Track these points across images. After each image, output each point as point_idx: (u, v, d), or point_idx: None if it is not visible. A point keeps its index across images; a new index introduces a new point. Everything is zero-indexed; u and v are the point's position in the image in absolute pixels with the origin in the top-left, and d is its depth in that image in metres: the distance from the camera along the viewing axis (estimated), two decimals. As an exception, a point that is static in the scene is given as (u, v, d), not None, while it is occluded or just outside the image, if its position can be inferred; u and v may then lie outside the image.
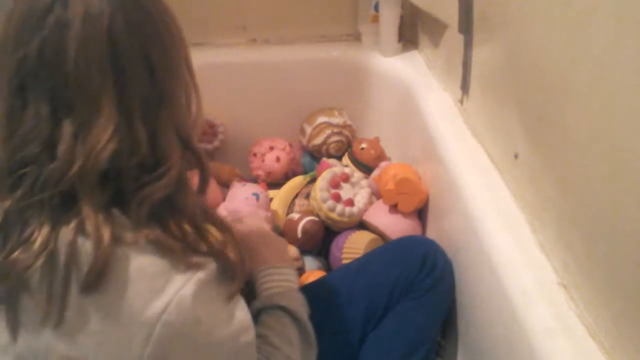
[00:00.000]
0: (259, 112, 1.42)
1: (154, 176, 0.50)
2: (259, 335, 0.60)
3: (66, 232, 0.46)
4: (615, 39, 0.49)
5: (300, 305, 0.68)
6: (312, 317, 0.68)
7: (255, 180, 1.39)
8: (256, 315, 0.66)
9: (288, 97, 1.42)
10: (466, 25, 0.92)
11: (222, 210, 1.17)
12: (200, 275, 0.49)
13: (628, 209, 0.49)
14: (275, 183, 1.36)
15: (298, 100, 1.41)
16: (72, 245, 0.46)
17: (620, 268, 0.51)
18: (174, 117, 0.52)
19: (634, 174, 0.48)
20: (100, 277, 0.45)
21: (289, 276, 0.72)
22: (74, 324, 0.46)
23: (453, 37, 0.98)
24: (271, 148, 1.38)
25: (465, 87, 0.96)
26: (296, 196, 1.28)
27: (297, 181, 1.31)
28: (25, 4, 0.47)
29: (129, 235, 0.47)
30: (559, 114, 0.61)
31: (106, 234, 0.46)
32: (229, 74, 1.37)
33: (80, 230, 0.47)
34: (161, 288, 0.47)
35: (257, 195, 1.20)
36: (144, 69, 0.49)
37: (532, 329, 0.59)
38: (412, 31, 1.35)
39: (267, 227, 0.85)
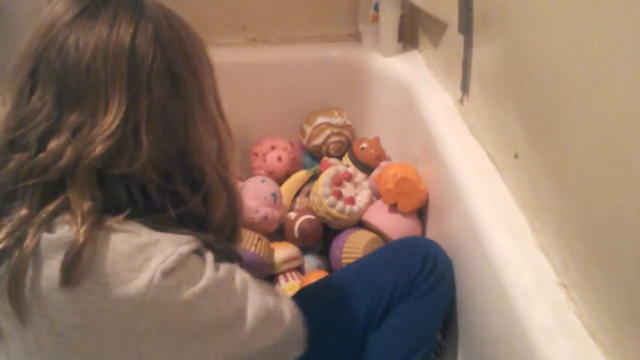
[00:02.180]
0: (259, 112, 1.42)
1: (180, 191, 0.52)
2: None
3: (41, 217, 0.45)
4: (615, 39, 0.49)
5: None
6: (313, 318, 0.68)
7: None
8: None
9: (288, 97, 1.42)
10: (466, 25, 0.92)
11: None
12: (181, 249, 0.48)
13: (628, 209, 0.49)
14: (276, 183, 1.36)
15: (298, 100, 1.41)
16: (46, 230, 0.45)
17: (620, 268, 0.51)
18: (195, 138, 0.54)
19: (634, 174, 0.48)
20: (77, 263, 0.43)
21: None
22: (51, 316, 0.45)
23: (453, 37, 0.98)
24: (272, 147, 1.38)
25: (465, 87, 0.96)
26: (298, 194, 1.28)
27: (299, 176, 1.31)
28: (67, 2, 0.49)
29: (110, 219, 0.47)
30: (559, 113, 0.61)
31: (89, 219, 0.45)
32: (229, 74, 1.35)
33: (60, 215, 0.45)
34: (140, 266, 0.45)
35: (275, 196, 1.18)
36: (166, 84, 0.50)
37: (532, 329, 0.59)
38: (412, 31, 1.35)
39: None
